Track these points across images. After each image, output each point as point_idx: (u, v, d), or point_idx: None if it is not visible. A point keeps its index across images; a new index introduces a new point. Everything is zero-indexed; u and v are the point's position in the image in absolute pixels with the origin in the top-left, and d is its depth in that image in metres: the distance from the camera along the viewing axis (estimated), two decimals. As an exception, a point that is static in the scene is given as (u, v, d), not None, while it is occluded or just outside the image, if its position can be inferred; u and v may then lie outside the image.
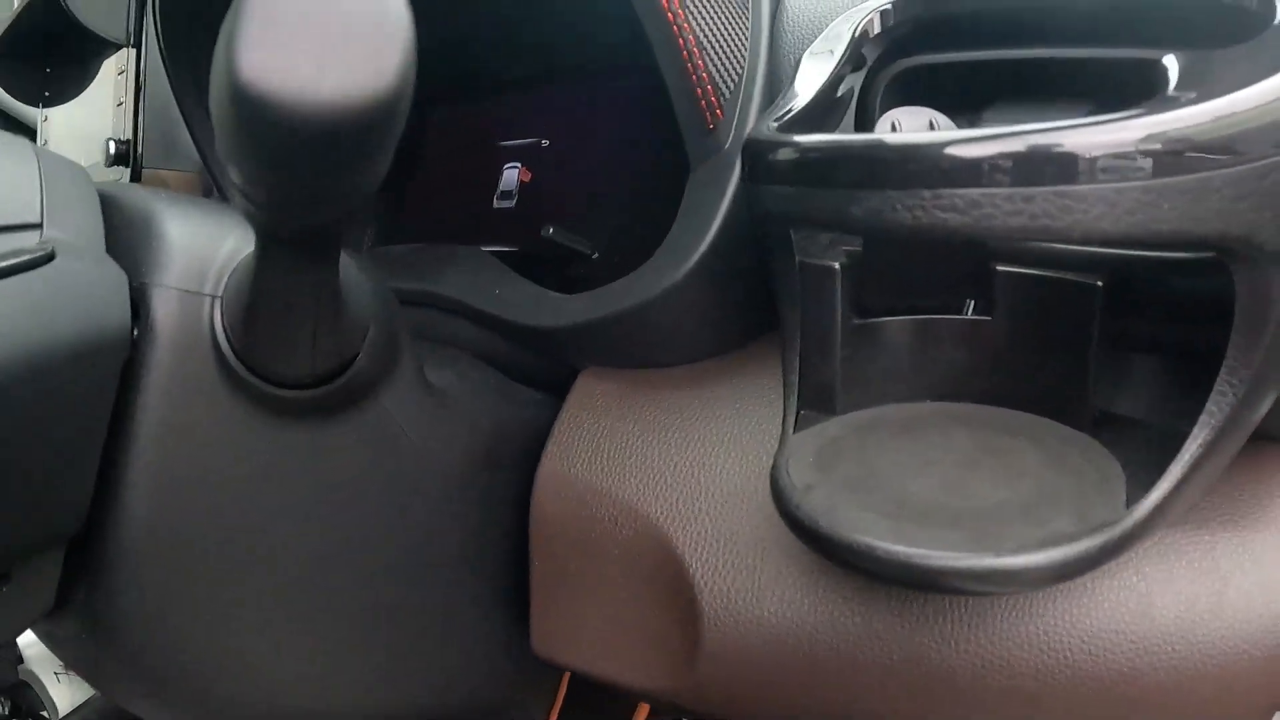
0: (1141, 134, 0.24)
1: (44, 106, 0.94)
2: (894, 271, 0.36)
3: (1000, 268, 0.34)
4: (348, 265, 0.37)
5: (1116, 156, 0.24)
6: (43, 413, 0.32)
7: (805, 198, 0.29)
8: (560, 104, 0.64)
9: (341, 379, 0.38)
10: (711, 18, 0.42)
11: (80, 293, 0.33)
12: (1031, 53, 0.37)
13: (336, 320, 0.35)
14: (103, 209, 0.38)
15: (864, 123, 0.41)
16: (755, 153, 0.33)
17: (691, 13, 0.42)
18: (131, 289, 0.35)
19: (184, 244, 0.37)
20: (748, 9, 0.44)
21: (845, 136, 0.33)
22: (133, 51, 0.76)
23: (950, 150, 0.25)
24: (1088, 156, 0.24)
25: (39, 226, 0.36)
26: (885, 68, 0.40)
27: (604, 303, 0.44)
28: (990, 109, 0.38)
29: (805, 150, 0.30)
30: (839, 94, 0.40)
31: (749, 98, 0.43)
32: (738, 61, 0.44)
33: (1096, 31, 0.36)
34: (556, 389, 0.51)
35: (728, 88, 0.43)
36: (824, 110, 0.37)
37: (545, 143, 0.64)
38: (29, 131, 1.08)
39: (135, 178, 0.76)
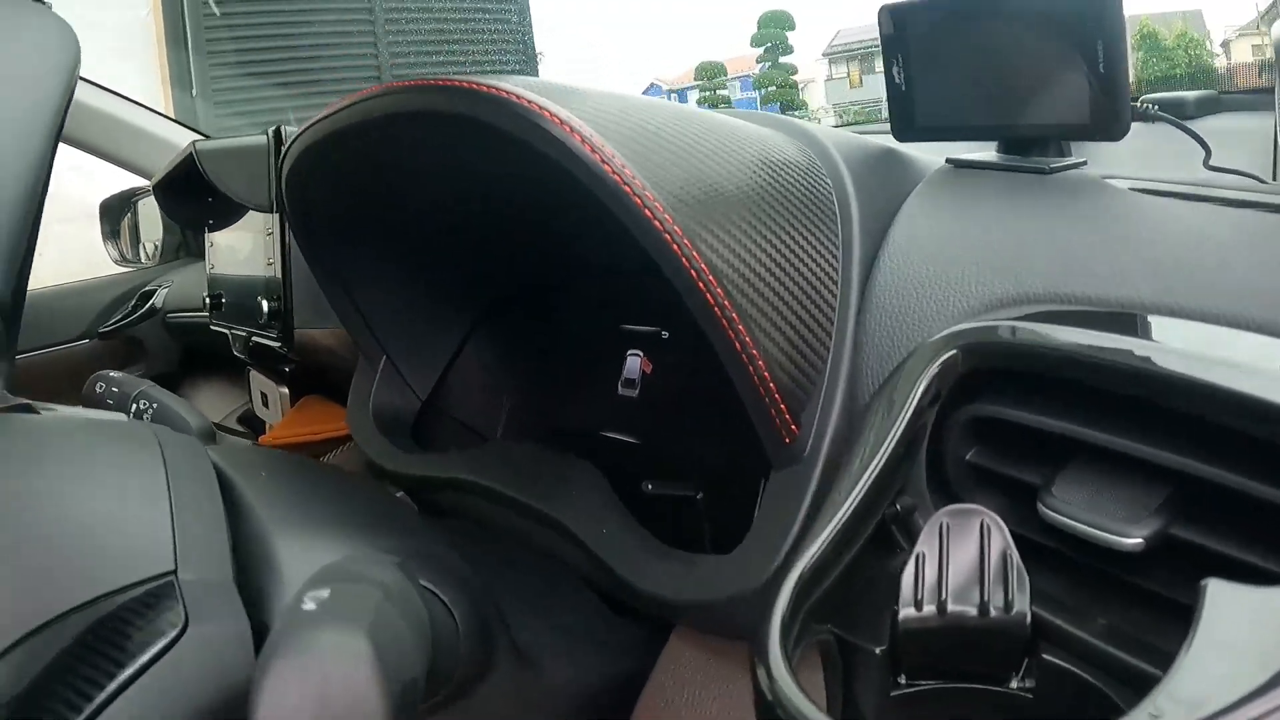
0: None
1: (209, 232, 1.06)
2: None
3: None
4: (440, 624, 0.41)
5: None
6: None
7: None
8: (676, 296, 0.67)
9: (434, 699, 0.43)
10: (783, 336, 0.44)
11: (212, 659, 0.39)
12: (1105, 440, 0.36)
13: (415, 689, 0.40)
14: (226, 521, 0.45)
15: (938, 463, 0.41)
16: None
17: (760, 330, 0.43)
18: (253, 623, 0.41)
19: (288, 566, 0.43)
20: (823, 325, 0.46)
21: None
22: (276, 217, 0.85)
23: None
24: None
25: (173, 573, 0.43)
26: (960, 407, 0.41)
27: (692, 586, 0.47)
28: (1071, 467, 0.38)
29: None
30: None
31: (827, 414, 0.44)
32: (814, 368, 0.45)
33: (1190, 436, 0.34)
34: (655, 620, 0.54)
35: (801, 398, 0.44)
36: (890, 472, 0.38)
37: (665, 334, 0.67)
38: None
39: (287, 337, 0.85)
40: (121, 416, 0.58)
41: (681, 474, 0.60)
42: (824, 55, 9.40)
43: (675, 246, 0.42)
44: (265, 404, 1.05)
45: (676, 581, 0.48)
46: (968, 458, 0.41)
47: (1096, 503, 0.36)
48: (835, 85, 9.47)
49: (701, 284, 0.42)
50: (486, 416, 0.80)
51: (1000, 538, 0.35)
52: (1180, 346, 0.35)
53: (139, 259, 1.53)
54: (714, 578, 0.47)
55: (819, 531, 0.36)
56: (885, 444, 0.38)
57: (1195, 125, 0.68)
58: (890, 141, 0.60)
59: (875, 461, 0.38)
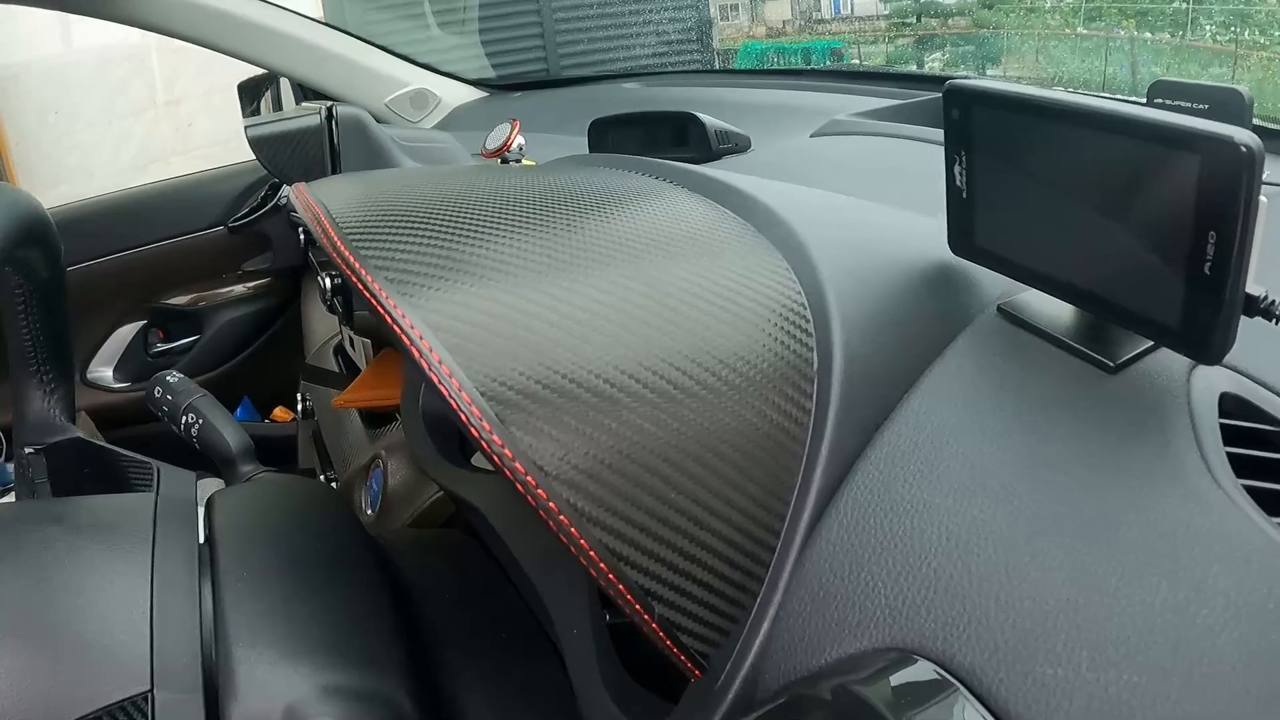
0: None
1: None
2: None
3: None
4: None
5: None
6: None
7: None
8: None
9: None
10: (688, 574, 0.40)
11: None
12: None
13: None
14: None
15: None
16: None
17: (639, 572, 0.39)
18: None
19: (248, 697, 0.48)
20: (754, 557, 0.42)
21: None
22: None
23: None
24: None
25: (149, 691, 0.48)
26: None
27: None
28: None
29: None
30: None
31: (743, 657, 0.41)
32: (727, 615, 0.41)
33: None
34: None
35: (706, 645, 0.41)
36: None
37: None
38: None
39: (348, 317, 0.88)
40: (138, 495, 0.64)
41: None
42: None
43: (482, 440, 0.37)
44: (352, 346, 1.10)
45: None
46: None
47: None
48: None
49: (521, 487, 0.37)
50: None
51: None
52: None
53: (279, 136, 1.60)
54: None
55: None
56: None
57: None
58: (945, 251, 0.51)
59: None
